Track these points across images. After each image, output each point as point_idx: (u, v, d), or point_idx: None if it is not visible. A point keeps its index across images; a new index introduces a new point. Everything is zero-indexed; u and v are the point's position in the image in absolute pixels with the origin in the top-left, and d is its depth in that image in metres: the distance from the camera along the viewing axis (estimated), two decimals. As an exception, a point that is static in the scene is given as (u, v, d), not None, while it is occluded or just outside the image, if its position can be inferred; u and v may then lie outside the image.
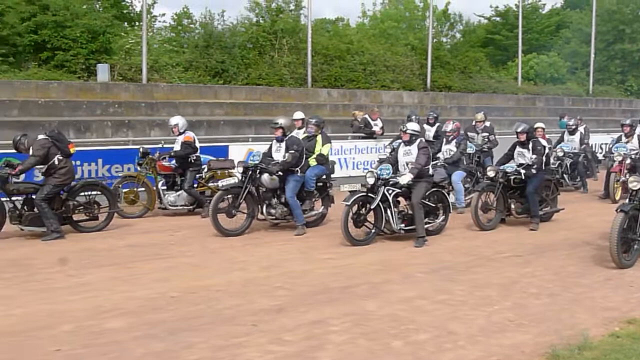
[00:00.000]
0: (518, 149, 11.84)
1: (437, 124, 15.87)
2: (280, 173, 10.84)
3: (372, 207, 10.02)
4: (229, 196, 10.82)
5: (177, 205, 12.43)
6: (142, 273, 8.32)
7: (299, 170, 11.00)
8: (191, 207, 12.54)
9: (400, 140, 11.07)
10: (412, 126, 10.72)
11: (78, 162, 12.45)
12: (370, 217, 10.19)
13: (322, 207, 11.74)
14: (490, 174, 11.50)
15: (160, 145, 13.42)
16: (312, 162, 11.45)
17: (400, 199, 10.49)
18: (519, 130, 11.78)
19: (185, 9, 26.79)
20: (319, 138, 11.78)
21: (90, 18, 19.75)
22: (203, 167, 12.92)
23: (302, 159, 11.04)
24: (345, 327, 6.27)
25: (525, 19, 32.00)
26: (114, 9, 23.81)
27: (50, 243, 10.04)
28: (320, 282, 7.93)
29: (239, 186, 10.76)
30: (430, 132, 15.83)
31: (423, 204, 10.39)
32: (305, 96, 21.89)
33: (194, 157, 12.54)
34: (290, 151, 10.83)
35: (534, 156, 11.47)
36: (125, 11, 25.99)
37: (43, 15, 18.95)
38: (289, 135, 11.14)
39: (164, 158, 12.41)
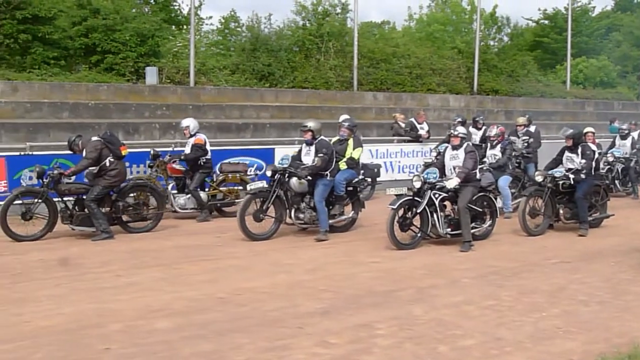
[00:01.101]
0: (567, 153, 11.67)
1: (484, 128, 15.72)
2: (309, 177, 10.74)
3: (419, 211, 9.99)
4: (257, 200, 10.70)
5: (187, 209, 12.34)
6: (190, 274, 8.43)
7: (329, 174, 10.87)
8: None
9: (446, 144, 10.99)
10: (462, 130, 10.68)
11: (127, 164, 12.62)
12: (416, 221, 10.13)
13: (352, 211, 11.52)
14: (539, 178, 11.37)
15: (171, 148, 13.36)
16: (342, 165, 11.22)
17: (447, 203, 10.41)
18: (566, 135, 11.61)
19: (232, 12, 27.17)
20: (351, 141, 11.55)
21: (140, 22, 20.02)
22: (214, 170, 12.90)
23: (332, 163, 10.89)
24: (391, 331, 6.25)
25: (574, 21, 31.48)
26: (162, 12, 24.14)
27: (99, 243, 10.22)
28: (365, 286, 7.92)
29: (267, 190, 10.66)
30: (477, 135, 15.68)
31: (469, 209, 10.30)
32: (350, 99, 21.88)
33: (204, 160, 12.43)
34: (320, 155, 10.70)
35: (583, 161, 11.30)
36: (173, 14, 26.32)
37: (94, 19, 19.26)
38: (319, 139, 10.99)
39: (175, 161, 12.37)
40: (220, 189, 12.81)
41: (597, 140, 14.60)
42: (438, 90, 24.51)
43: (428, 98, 23.77)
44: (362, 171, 14.37)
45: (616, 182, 16.18)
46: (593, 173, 11.53)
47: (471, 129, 15.71)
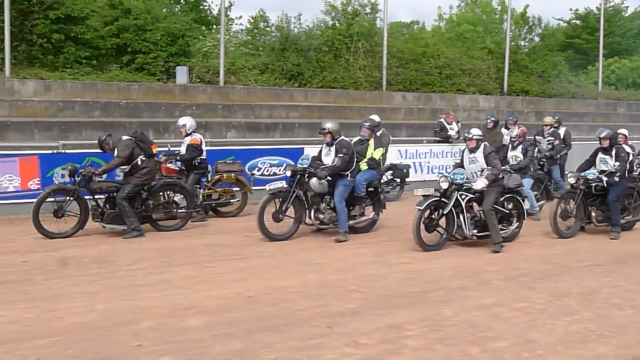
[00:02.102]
0: (600, 155, 11.54)
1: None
2: (329, 177, 10.64)
3: (445, 212, 9.92)
4: (277, 200, 10.63)
5: (182, 209, 11.96)
6: (219, 272, 8.47)
7: (349, 175, 10.77)
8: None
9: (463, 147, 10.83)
10: (477, 132, 10.52)
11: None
12: (442, 222, 10.08)
13: (373, 212, 11.38)
14: (571, 180, 11.20)
15: (166, 148, 13.13)
16: (363, 166, 11.11)
17: (474, 204, 10.36)
18: (601, 136, 11.46)
19: (261, 12, 27.20)
20: (372, 142, 11.41)
21: (170, 22, 20.18)
22: (209, 170, 12.71)
23: (353, 163, 10.78)
24: (422, 332, 6.22)
25: (606, 21, 31.12)
26: (192, 12, 24.28)
27: (130, 241, 10.31)
28: (395, 286, 7.90)
29: (286, 190, 10.58)
30: (508, 136, 15.53)
31: (496, 210, 10.23)
32: (379, 99, 21.85)
33: (199, 160, 12.25)
34: (340, 155, 10.60)
35: (617, 163, 11.17)
36: (203, 14, 26.46)
37: (125, 19, 19.46)
38: (339, 139, 10.87)
39: (170, 161, 12.21)
40: (216, 189, 12.62)
41: (629, 142, 14.36)
42: (468, 91, 24.37)
43: (457, 98, 23.66)
44: (390, 171, 14.40)
45: None
46: (626, 175, 11.37)
47: (503, 130, 15.58)
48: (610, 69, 31.46)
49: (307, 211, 10.87)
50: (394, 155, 15.54)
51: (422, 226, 9.85)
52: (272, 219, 10.50)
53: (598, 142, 11.57)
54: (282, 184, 10.71)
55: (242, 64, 21.16)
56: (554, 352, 5.80)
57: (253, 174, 13.90)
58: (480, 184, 9.96)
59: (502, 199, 10.42)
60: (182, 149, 12.35)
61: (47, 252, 9.52)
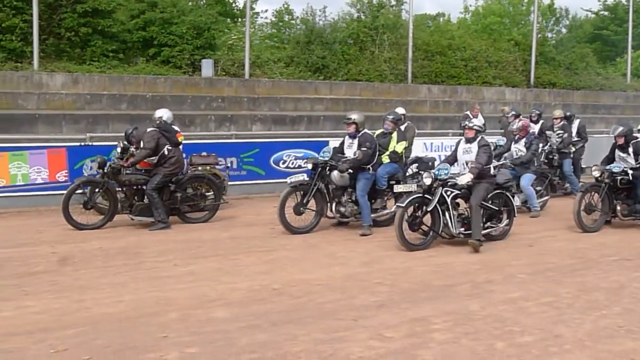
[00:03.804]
0: (618, 152, 11.34)
1: (542, 122, 15.41)
2: (350, 170, 10.54)
3: (429, 209, 9.43)
4: (298, 193, 10.59)
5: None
6: (245, 265, 8.51)
7: (371, 168, 10.65)
8: None
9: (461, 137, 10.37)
10: (478, 121, 10.14)
11: (184, 155, 12.75)
12: (428, 220, 9.64)
13: (395, 206, 11.08)
14: (595, 174, 11.02)
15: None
16: (385, 159, 11.02)
17: (460, 201, 9.87)
18: (615, 133, 11.27)
19: (286, 5, 27.28)
20: (395, 135, 11.30)
21: (196, 15, 20.26)
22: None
23: (375, 157, 10.65)
24: (448, 326, 6.20)
25: (635, 13, 30.70)
26: (218, 5, 24.41)
27: (157, 233, 10.41)
28: (421, 280, 7.88)
29: (308, 183, 10.51)
30: (535, 129, 15.37)
31: (484, 207, 9.81)
32: (405, 92, 21.78)
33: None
34: (363, 149, 10.47)
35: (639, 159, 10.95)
36: (228, 8, 26.54)
37: (151, 13, 19.58)
38: (363, 132, 10.76)
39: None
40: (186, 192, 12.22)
41: None
42: (494, 83, 24.20)
43: (484, 91, 23.51)
44: (416, 164, 14.33)
45: None
46: None
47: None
48: (639, 61, 31.07)
49: (329, 204, 10.81)
50: (419, 148, 15.49)
51: (405, 225, 9.43)
52: (293, 212, 10.47)
53: (614, 140, 11.38)
54: (304, 177, 10.63)
55: (267, 56, 21.20)
56: (582, 347, 5.75)
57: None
58: (465, 178, 9.43)
59: (490, 195, 9.96)
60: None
61: (75, 243, 9.63)
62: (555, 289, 7.53)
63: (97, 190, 10.68)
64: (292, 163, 14.54)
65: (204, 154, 12.78)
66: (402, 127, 13.43)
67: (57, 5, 18.12)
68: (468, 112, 17.26)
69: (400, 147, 11.28)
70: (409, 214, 9.48)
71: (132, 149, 11.39)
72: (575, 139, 14.99)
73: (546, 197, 13.08)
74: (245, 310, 6.58)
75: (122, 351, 5.51)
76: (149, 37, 19.40)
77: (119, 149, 11.39)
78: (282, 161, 14.52)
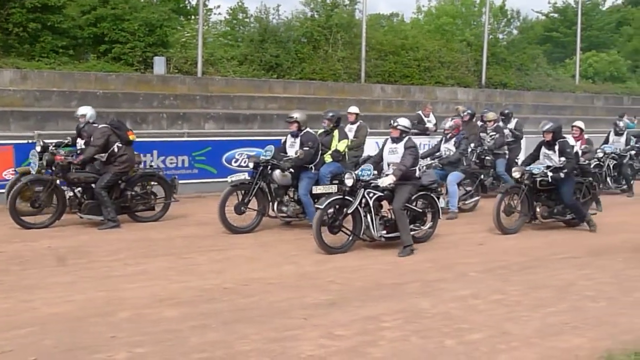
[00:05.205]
0: (544, 150, 11.10)
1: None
2: (291, 169, 10.46)
3: (350, 211, 9.12)
4: (239, 192, 10.46)
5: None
6: (197, 264, 8.45)
7: (314, 167, 10.55)
8: None
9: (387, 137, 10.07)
10: (404, 122, 9.70)
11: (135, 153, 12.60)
12: (348, 222, 9.36)
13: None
14: (516, 175, 10.78)
15: (67, 141, 11.88)
16: (328, 158, 10.93)
17: (384, 202, 9.55)
18: (544, 129, 11.01)
19: (240, 3, 27.13)
20: (336, 133, 11.19)
21: (148, 11, 20.07)
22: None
23: (317, 156, 10.56)
24: (398, 324, 6.24)
25: (584, 15, 31.38)
26: (171, 2, 24.15)
27: (108, 232, 10.25)
28: (372, 278, 7.93)
29: (249, 182, 10.37)
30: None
31: (409, 209, 9.56)
32: (358, 91, 21.88)
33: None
34: (305, 148, 10.38)
35: (563, 159, 10.73)
36: (181, 5, 26.32)
37: (103, 9, 19.33)
38: (305, 131, 10.63)
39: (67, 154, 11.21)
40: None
41: (586, 136, 14.11)
42: (446, 83, 24.48)
43: (436, 91, 23.76)
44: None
45: (608, 179, 15.77)
46: (576, 171, 11.18)
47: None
48: (587, 63, 31.78)
49: (271, 204, 10.67)
50: (372, 147, 15.53)
51: (325, 227, 9.17)
52: (235, 211, 10.35)
53: (542, 135, 11.17)
54: (244, 176, 10.51)
55: (220, 54, 21.12)
56: (529, 344, 5.85)
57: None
58: (386, 181, 9.11)
59: (414, 196, 9.72)
60: (80, 140, 11.54)
61: (23, 242, 9.44)
62: (504, 287, 7.65)
63: (45, 188, 10.46)
64: (245, 162, 14.44)
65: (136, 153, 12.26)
66: (354, 126, 13.51)
67: (4, 0, 17.73)
68: (420, 112, 17.43)
69: (342, 146, 11.17)
70: (329, 216, 9.21)
71: (52, 147, 11.08)
72: (510, 139, 15.07)
73: (477, 197, 12.91)
74: (196, 310, 6.53)
75: (70, 351, 5.43)
76: (100, 33, 19.15)
77: (38, 148, 11.10)
78: (234, 160, 14.44)
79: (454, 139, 12.47)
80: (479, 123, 15.38)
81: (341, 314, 6.50)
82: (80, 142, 11.48)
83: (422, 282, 7.78)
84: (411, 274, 8.18)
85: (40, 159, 10.78)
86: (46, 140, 11.56)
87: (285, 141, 11.00)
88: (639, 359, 5.50)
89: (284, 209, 10.69)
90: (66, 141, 11.68)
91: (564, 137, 11.26)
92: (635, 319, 6.66)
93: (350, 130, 13.46)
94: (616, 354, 5.54)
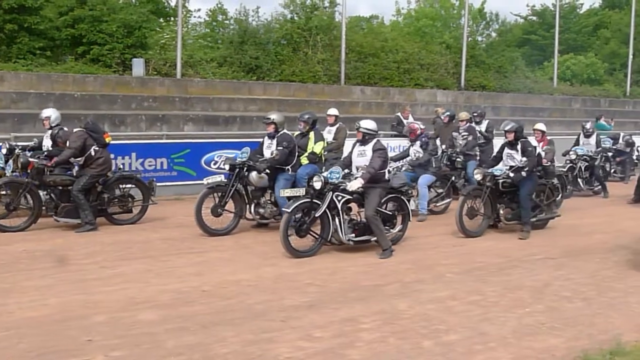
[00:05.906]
0: (507, 150, 11.04)
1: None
2: (267, 171, 10.41)
3: (317, 214, 9.02)
4: (216, 194, 10.40)
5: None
6: (175, 266, 8.41)
7: (290, 169, 10.55)
8: None
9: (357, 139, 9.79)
10: (369, 125, 9.54)
11: (112, 155, 12.49)
12: (316, 225, 9.29)
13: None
14: (477, 177, 10.72)
15: (33, 143, 11.82)
16: (304, 160, 10.92)
17: (353, 205, 9.51)
18: (506, 129, 10.92)
19: (219, 5, 27.14)
20: (312, 135, 11.15)
21: (127, 13, 19.97)
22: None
23: (294, 157, 10.57)
24: (376, 326, 6.26)
25: (562, 18, 31.67)
26: (149, 3, 24.04)
27: (84, 235, 10.17)
28: (350, 280, 7.94)
29: (225, 184, 10.33)
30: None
31: (379, 212, 9.40)
32: (338, 93, 21.90)
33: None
34: (279, 148, 10.38)
35: (524, 158, 10.71)
36: (160, 6, 26.21)
37: (80, 10, 19.22)
38: (281, 132, 10.62)
39: (38, 156, 11.05)
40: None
41: (549, 138, 14.07)
42: (426, 85, 24.57)
43: (416, 93, 23.84)
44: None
45: (579, 180, 15.83)
46: (537, 171, 11.13)
47: (473, 124, 15.29)
48: (565, 65, 32.05)
49: (248, 205, 10.64)
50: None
51: (292, 230, 9.11)
52: (211, 214, 10.28)
53: (504, 135, 11.08)
54: (221, 178, 10.47)
55: (200, 56, 21.06)
56: (505, 345, 5.88)
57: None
58: (355, 184, 9.03)
59: (384, 199, 9.63)
60: (45, 142, 11.46)
61: (-2, 246, 9.35)
62: (481, 288, 7.68)
63: (20, 191, 10.35)
64: (224, 164, 14.39)
65: None
66: (334, 128, 13.49)
67: (-19, 2, 17.60)
68: (399, 114, 17.47)
69: (318, 148, 11.16)
70: (296, 219, 9.12)
71: (18, 150, 10.97)
72: (482, 141, 15.06)
73: (448, 200, 12.84)
74: (173, 313, 6.51)
75: (45, 355, 5.40)
76: (78, 34, 19.03)
77: (4, 150, 10.98)
78: (213, 162, 14.39)
79: (418, 141, 12.48)
80: (474, 125, 15.35)
81: (319, 316, 6.51)
82: (47, 145, 11.36)
83: (400, 284, 7.80)
84: (390, 275, 8.20)
85: (7, 161, 10.69)
86: (12, 143, 11.47)
87: (262, 143, 10.98)
88: (614, 358, 5.55)
89: (261, 210, 10.65)
90: (32, 143, 11.63)
91: (526, 137, 11.25)
92: (611, 319, 6.72)
93: (330, 132, 13.45)
94: (592, 354, 5.59)
